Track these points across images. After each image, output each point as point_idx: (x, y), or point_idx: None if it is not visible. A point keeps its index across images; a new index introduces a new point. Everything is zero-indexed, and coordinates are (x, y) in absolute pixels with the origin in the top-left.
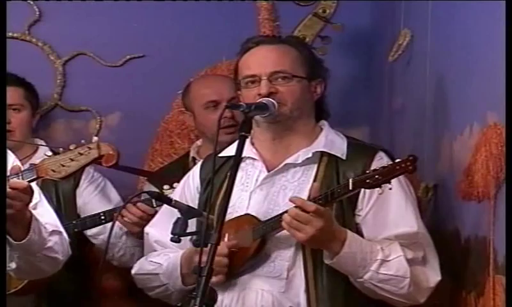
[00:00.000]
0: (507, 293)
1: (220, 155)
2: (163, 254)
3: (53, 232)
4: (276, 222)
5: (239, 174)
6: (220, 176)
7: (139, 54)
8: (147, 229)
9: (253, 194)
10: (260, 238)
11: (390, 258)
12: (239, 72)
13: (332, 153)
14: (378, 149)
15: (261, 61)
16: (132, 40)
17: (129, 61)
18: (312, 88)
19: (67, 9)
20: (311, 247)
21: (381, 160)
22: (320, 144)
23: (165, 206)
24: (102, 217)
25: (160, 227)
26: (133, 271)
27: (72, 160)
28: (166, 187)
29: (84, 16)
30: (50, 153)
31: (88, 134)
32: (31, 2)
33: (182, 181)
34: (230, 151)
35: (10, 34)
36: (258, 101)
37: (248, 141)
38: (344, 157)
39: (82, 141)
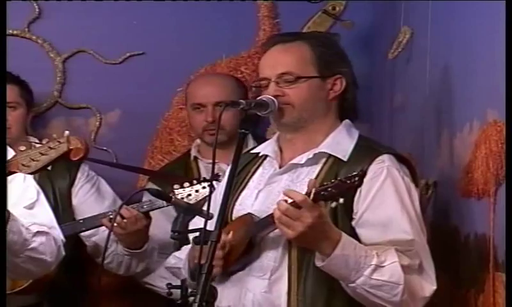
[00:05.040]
0: (507, 290)
1: (252, 151)
2: (185, 248)
3: (38, 233)
4: (266, 221)
5: (259, 171)
6: (246, 172)
7: (139, 51)
8: None
9: (261, 192)
10: (250, 237)
11: (385, 264)
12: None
13: (333, 154)
14: (383, 152)
15: (270, 63)
16: (132, 38)
17: (129, 59)
18: (328, 86)
19: (67, 7)
20: (300, 245)
21: (380, 164)
22: (325, 145)
23: None
24: (82, 223)
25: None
26: (165, 265)
27: (42, 154)
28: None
29: (83, 13)
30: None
31: (87, 132)
32: (31, 0)
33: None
34: (262, 148)
35: (10, 31)
36: (258, 98)
37: (274, 139)
38: (345, 159)
39: (54, 136)
